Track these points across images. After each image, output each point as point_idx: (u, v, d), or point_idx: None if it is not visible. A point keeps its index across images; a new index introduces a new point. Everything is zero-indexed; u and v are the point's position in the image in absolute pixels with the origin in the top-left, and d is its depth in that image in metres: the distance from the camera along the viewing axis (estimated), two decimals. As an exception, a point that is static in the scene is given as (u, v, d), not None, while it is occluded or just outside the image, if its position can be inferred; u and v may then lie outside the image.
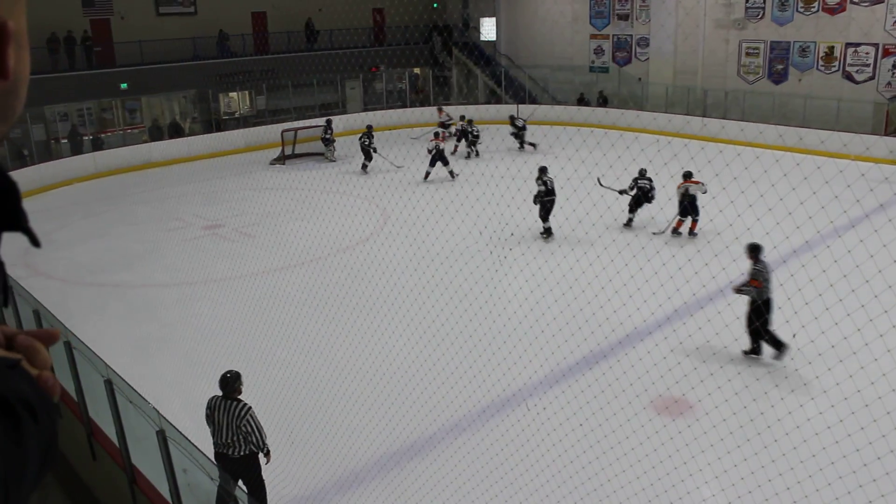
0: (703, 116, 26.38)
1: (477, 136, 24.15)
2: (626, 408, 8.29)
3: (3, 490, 0.71)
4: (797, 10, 25.97)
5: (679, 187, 14.84)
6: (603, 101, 30.05)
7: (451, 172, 20.89)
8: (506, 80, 33.11)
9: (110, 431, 6.85)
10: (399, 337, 10.49)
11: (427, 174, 20.83)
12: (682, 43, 28.84)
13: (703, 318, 10.33)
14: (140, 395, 5.96)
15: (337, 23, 30.25)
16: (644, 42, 30.37)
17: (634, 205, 15.80)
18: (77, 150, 25.21)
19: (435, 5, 35.77)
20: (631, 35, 30.85)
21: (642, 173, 15.91)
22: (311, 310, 11.87)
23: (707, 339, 9.43)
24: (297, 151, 25.43)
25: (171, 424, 5.48)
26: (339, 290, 12.68)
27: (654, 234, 14.97)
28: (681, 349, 9.72)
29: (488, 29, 35.59)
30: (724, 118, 25.70)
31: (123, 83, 27.00)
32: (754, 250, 9.95)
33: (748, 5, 27.14)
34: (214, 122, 28.65)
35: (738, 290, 9.98)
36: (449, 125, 26.34)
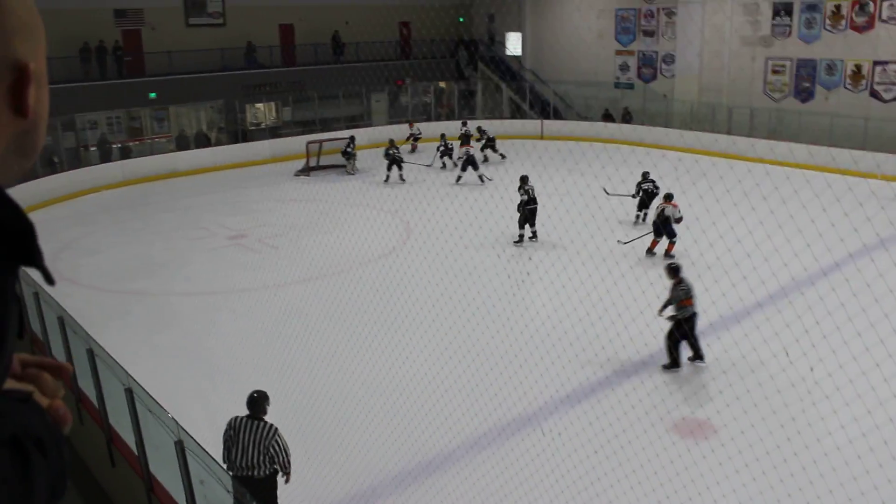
0: (729, 134, 26.22)
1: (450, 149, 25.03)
2: (648, 431, 8.23)
3: None
4: (824, 28, 25.80)
5: (657, 208, 14.88)
6: (627, 118, 30.00)
7: (480, 177, 21.82)
8: (531, 95, 33.15)
9: (129, 439, 6.90)
10: (419, 352, 10.50)
11: (459, 178, 22.24)
12: (707, 60, 28.75)
13: (730, 340, 10.25)
14: (159, 404, 6.00)
15: (363, 36, 30.46)
16: (670, 59, 30.29)
17: (641, 206, 16.69)
18: (106, 157, 25.52)
19: (461, 19, 35.92)
20: (656, 52, 30.79)
21: (645, 176, 17.07)
22: (331, 323, 11.90)
23: (733, 362, 9.36)
24: (322, 163, 25.57)
25: (189, 435, 5.51)
26: (360, 304, 12.71)
27: (620, 242, 14.74)
28: (706, 372, 9.65)
29: (514, 44, 35.66)
30: (749, 136, 25.54)
31: (152, 93, 27.33)
32: (676, 270, 10.25)
33: (775, 23, 27.01)
34: (241, 133, 28.89)
35: (672, 317, 10.08)
36: (418, 138, 27.69)
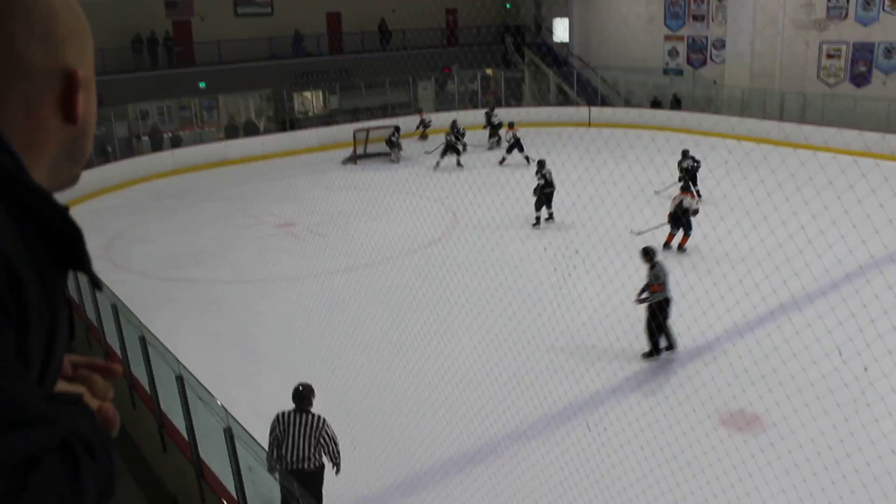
0: (780, 121, 25.61)
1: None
2: (696, 427, 8.11)
3: None
4: (883, 9, 25.07)
5: (674, 199, 14.54)
6: (676, 104, 29.54)
7: (527, 158, 22.26)
8: (578, 83, 32.83)
9: (180, 425, 7.02)
10: (466, 341, 10.49)
11: (503, 159, 23.45)
12: (759, 45, 28.15)
13: (774, 326, 10.06)
14: (209, 391, 6.08)
15: (410, 23, 30.43)
16: (720, 44, 29.73)
17: (685, 187, 16.57)
18: (157, 147, 25.93)
19: (508, 6, 35.69)
20: (706, 37, 30.25)
21: (685, 154, 17.67)
22: (378, 311, 11.95)
23: (775, 347, 9.17)
24: (368, 151, 25.66)
25: (237, 422, 5.57)
26: (406, 292, 12.73)
27: (633, 232, 14.44)
28: (748, 359, 9.48)
29: (561, 30, 35.34)
30: (801, 122, 24.93)
31: (202, 82, 27.69)
32: (650, 254, 10.36)
33: (830, 5, 26.32)
34: (288, 121, 29.11)
35: (642, 301, 10.29)
36: (428, 126, 27.69)
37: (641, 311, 10.42)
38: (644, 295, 10.27)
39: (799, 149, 20.43)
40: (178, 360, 6.63)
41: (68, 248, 0.83)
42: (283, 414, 6.82)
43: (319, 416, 6.78)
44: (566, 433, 8.45)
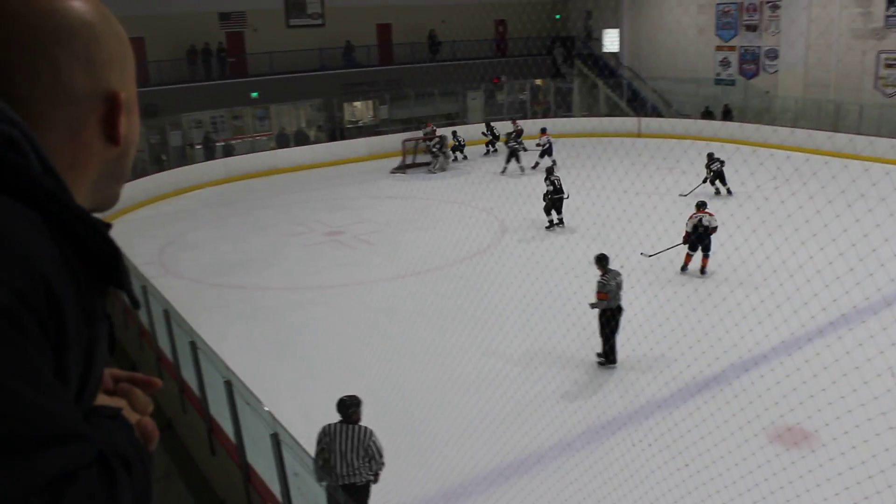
0: (834, 132, 25.11)
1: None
2: (735, 434, 8.02)
3: None
4: (945, 19, 24.50)
5: (691, 218, 13.75)
6: (727, 115, 29.17)
7: (554, 162, 22.53)
8: (628, 93, 32.63)
9: (228, 429, 7.13)
10: (513, 351, 10.49)
11: (536, 164, 24.05)
12: (814, 54, 27.67)
13: (822, 343, 9.88)
14: (256, 397, 6.18)
15: (460, 34, 30.55)
16: (773, 54, 29.31)
17: (713, 182, 17.17)
18: (210, 155, 26.40)
19: (558, 17, 35.63)
20: (759, 46, 29.83)
21: (711, 156, 18.35)
22: (425, 320, 12.01)
23: (825, 365, 9.01)
24: (417, 161, 25.81)
25: (284, 429, 5.65)
26: (454, 302, 12.77)
27: (644, 255, 13.91)
28: (797, 375, 9.34)
29: (611, 40, 35.15)
30: (856, 133, 24.42)
31: (254, 92, 28.13)
32: (601, 260, 10.39)
33: (888, 13, 25.76)
34: (338, 131, 29.42)
35: (593, 306, 10.31)
36: (432, 138, 26.81)
37: (689, 325, 10.32)
38: (594, 301, 10.34)
39: (853, 160, 20.06)
40: (226, 365, 6.75)
41: (107, 266, 0.85)
42: (330, 427, 6.73)
43: (366, 428, 6.68)
44: (612, 446, 8.40)
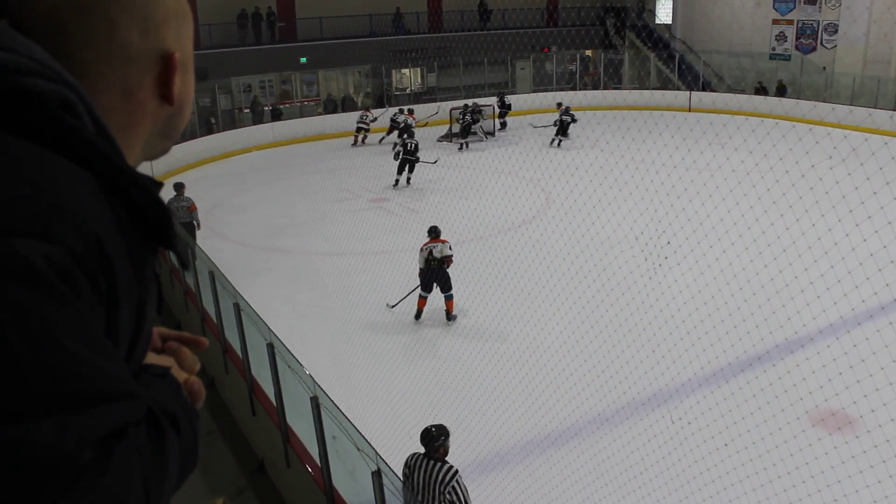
0: (894, 110, 24.38)
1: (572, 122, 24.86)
2: (777, 416, 7.90)
3: (146, 496, 0.76)
4: None
5: (422, 250, 11.54)
6: (781, 91, 28.47)
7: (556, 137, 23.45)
8: (680, 66, 32.03)
9: (269, 391, 7.22)
10: (555, 324, 10.43)
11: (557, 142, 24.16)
12: (875, 29, 26.82)
13: (872, 328, 9.66)
14: (298, 360, 6.24)
15: (510, 3, 30.23)
16: (832, 28, 28.48)
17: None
18: (258, 120, 26.57)
19: (611, -14, 35.07)
20: (818, 20, 29.00)
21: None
22: (466, 289, 11.99)
23: (874, 350, 8.81)
24: (454, 131, 25.69)
25: (324, 392, 5.70)
26: (497, 272, 12.72)
27: (389, 306, 12.15)
28: (844, 359, 9.16)
29: (665, 12, 34.48)
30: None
31: (303, 57, 28.16)
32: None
33: (957, -12, 24.90)
34: (386, 97, 29.37)
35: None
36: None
37: (735, 304, 10.15)
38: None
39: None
40: (269, 327, 6.81)
41: (157, 227, 0.86)
42: (413, 457, 5.96)
43: (450, 468, 5.77)
44: (650, 423, 8.33)
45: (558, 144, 24.22)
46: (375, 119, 25.53)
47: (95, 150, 0.80)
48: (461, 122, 24.76)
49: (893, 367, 8.37)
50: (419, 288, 11.39)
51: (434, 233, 11.44)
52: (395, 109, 25.45)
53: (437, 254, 11.13)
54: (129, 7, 0.86)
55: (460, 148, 24.24)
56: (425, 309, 11.41)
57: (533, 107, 29.51)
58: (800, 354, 9.55)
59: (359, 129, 25.33)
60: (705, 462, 7.24)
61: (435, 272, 11.16)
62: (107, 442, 0.72)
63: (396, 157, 19.59)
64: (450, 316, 11.32)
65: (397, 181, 19.63)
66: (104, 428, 0.72)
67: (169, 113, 0.94)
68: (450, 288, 11.23)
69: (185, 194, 14.14)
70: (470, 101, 26.49)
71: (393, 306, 11.81)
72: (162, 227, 0.86)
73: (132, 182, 0.82)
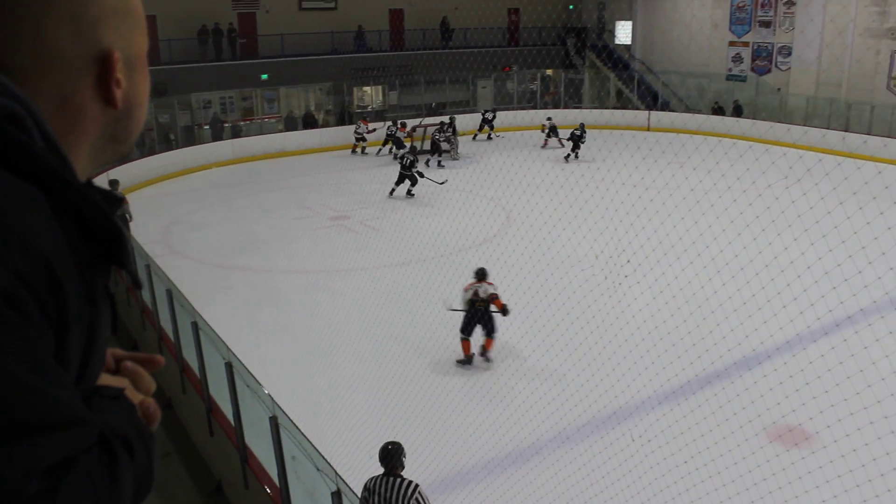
0: (846, 131, 24.96)
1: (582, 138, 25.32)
2: (736, 432, 7.98)
3: None
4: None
5: (466, 289, 10.98)
6: (738, 111, 29.03)
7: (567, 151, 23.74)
8: (639, 86, 32.49)
9: (227, 410, 7.12)
10: (515, 342, 10.46)
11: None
12: (827, 53, 27.49)
13: (827, 344, 9.82)
14: (256, 379, 6.16)
15: (472, 22, 30.45)
16: (786, 51, 29.13)
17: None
18: (217, 136, 26.37)
19: (571, 7, 35.47)
20: (772, 43, 29.65)
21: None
22: (428, 307, 11.97)
23: (829, 367, 8.95)
24: (425, 147, 25.73)
25: (283, 412, 5.63)
26: (457, 289, 12.72)
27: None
28: (801, 376, 9.28)
29: (624, 33, 34.99)
30: (868, 134, 24.26)
31: (264, 74, 28.05)
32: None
33: (905, 13, 25.62)
34: (347, 115, 29.36)
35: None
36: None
37: (693, 323, 10.27)
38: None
39: (867, 161, 19.94)
40: (227, 346, 6.73)
41: (110, 245, 0.82)
42: (372, 480, 5.91)
43: (410, 482, 5.81)
44: (611, 441, 8.36)
45: (575, 157, 24.78)
46: (373, 130, 26.03)
47: (45, 167, 0.76)
48: (438, 137, 24.78)
49: (849, 382, 8.52)
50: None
51: (480, 275, 10.97)
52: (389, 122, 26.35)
53: (482, 293, 10.69)
54: (55, 6, 0.80)
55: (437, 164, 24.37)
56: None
57: (496, 125, 29.65)
58: (757, 371, 9.67)
59: (357, 140, 26.15)
60: (665, 480, 7.28)
61: (480, 314, 10.67)
62: (56, 471, 0.70)
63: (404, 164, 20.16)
64: (484, 353, 10.71)
65: (392, 191, 20.18)
66: (53, 457, 0.70)
67: (115, 116, 0.89)
68: (493, 331, 10.74)
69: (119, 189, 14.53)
70: (446, 118, 26.62)
71: (451, 309, 11.26)
72: (114, 246, 0.83)
73: (83, 199, 0.79)
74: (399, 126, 25.50)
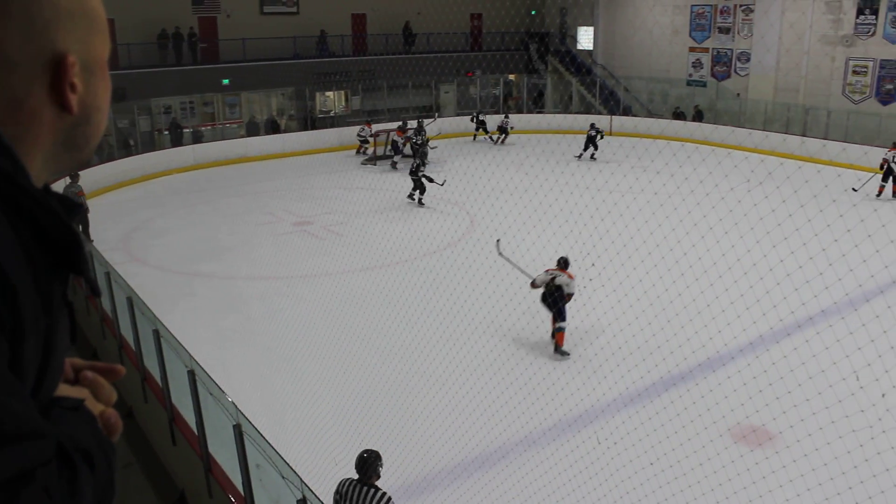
0: (803, 136, 25.42)
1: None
2: (700, 434, 8.04)
3: None
4: (912, 28, 24.91)
5: (548, 273, 11.21)
6: (698, 116, 29.42)
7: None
8: (601, 91, 32.77)
9: (190, 419, 7.01)
10: (480, 346, 10.45)
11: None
12: (784, 59, 28.00)
13: (790, 345, 9.95)
14: (220, 387, 6.07)
15: (435, 27, 30.50)
16: (745, 57, 29.59)
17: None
18: (177, 142, 26.07)
19: (533, 12, 35.67)
20: (731, 49, 30.10)
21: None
22: (392, 312, 11.93)
23: (791, 368, 9.08)
24: (388, 152, 25.71)
25: (247, 419, 5.55)
26: (421, 294, 12.70)
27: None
28: (764, 377, 9.40)
29: (586, 38, 35.27)
30: (824, 138, 24.72)
31: (225, 79, 27.80)
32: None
33: (858, 21, 26.13)
34: (310, 120, 29.21)
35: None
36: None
37: (658, 325, 10.35)
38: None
39: (826, 165, 20.28)
40: (190, 354, 6.62)
41: (66, 252, 0.80)
42: (344, 483, 5.85)
43: (384, 494, 5.71)
44: (577, 444, 8.38)
45: (591, 157, 25.02)
46: (375, 134, 25.99)
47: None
48: (414, 141, 24.63)
49: (811, 383, 8.63)
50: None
51: (563, 263, 11.24)
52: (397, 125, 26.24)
53: (557, 282, 10.92)
54: (5, 6, 0.77)
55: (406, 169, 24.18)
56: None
57: (459, 130, 29.70)
58: (721, 373, 9.76)
59: (361, 142, 26.50)
60: (632, 482, 7.31)
61: (551, 297, 10.94)
62: (12, 486, 0.67)
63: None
64: (557, 349, 10.80)
65: (419, 200, 19.73)
66: (8, 471, 0.67)
67: (72, 122, 0.85)
68: (563, 319, 10.87)
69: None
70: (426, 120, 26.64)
71: (500, 254, 12.13)
72: (72, 253, 0.80)
73: (37, 204, 0.76)
74: (397, 130, 25.44)
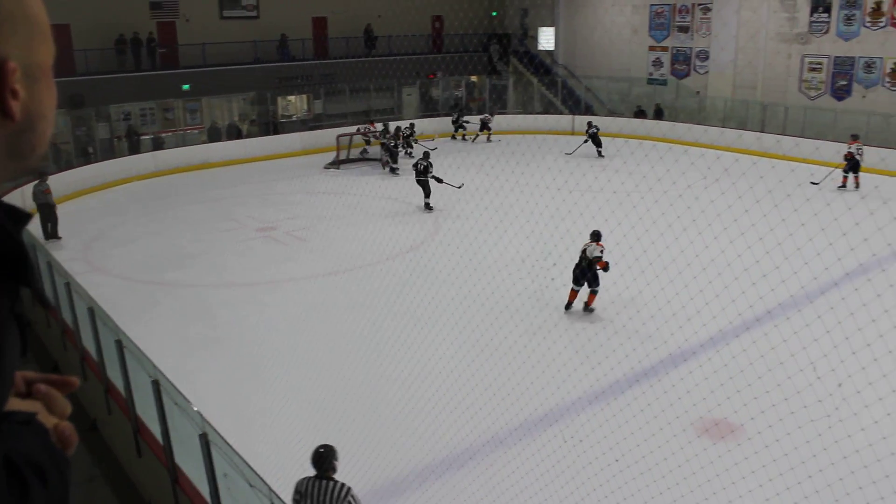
0: (761, 132, 25.84)
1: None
2: (665, 428, 8.16)
3: None
4: (864, 25, 25.41)
5: (584, 247, 12.26)
6: (659, 114, 29.78)
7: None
8: (563, 91, 32.99)
9: (156, 430, 6.97)
10: (445, 348, 10.49)
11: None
12: (742, 57, 28.44)
13: (749, 339, 10.13)
14: (185, 397, 6.05)
15: (396, 29, 30.50)
16: (704, 55, 30.00)
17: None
18: (134, 149, 25.72)
19: (494, 14, 35.81)
20: (690, 48, 30.49)
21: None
22: (357, 316, 11.93)
23: (751, 361, 9.25)
24: (352, 156, 25.67)
25: (213, 429, 5.54)
26: (385, 298, 12.72)
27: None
28: (725, 370, 9.57)
29: (547, 38, 35.48)
30: (782, 134, 25.14)
31: (185, 84, 27.52)
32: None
33: (812, 19, 26.63)
34: (272, 125, 29.05)
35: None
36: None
37: (620, 322, 10.48)
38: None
39: (780, 160, 20.62)
40: (154, 364, 6.59)
41: (13, 264, 0.79)
42: (303, 482, 5.92)
43: (342, 485, 5.84)
44: (545, 442, 8.46)
45: (598, 154, 24.99)
46: (378, 133, 25.77)
47: None
48: (393, 143, 24.62)
49: (770, 375, 8.81)
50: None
51: (595, 236, 12.25)
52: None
53: (588, 254, 11.94)
54: None
55: (390, 170, 24.21)
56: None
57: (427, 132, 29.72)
58: (683, 368, 9.90)
59: (367, 141, 26.19)
60: (598, 478, 7.40)
61: (585, 269, 11.97)
62: None
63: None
64: (587, 308, 12.06)
65: (428, 206, 19.36)
66: None
67: (15, 130, 0.82)
68: (597, 285, 12.02)
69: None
70: (406, 123, 26.62)
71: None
72: (19, 265, 0.79)
73: None
74: (395, 131, 25.48)
